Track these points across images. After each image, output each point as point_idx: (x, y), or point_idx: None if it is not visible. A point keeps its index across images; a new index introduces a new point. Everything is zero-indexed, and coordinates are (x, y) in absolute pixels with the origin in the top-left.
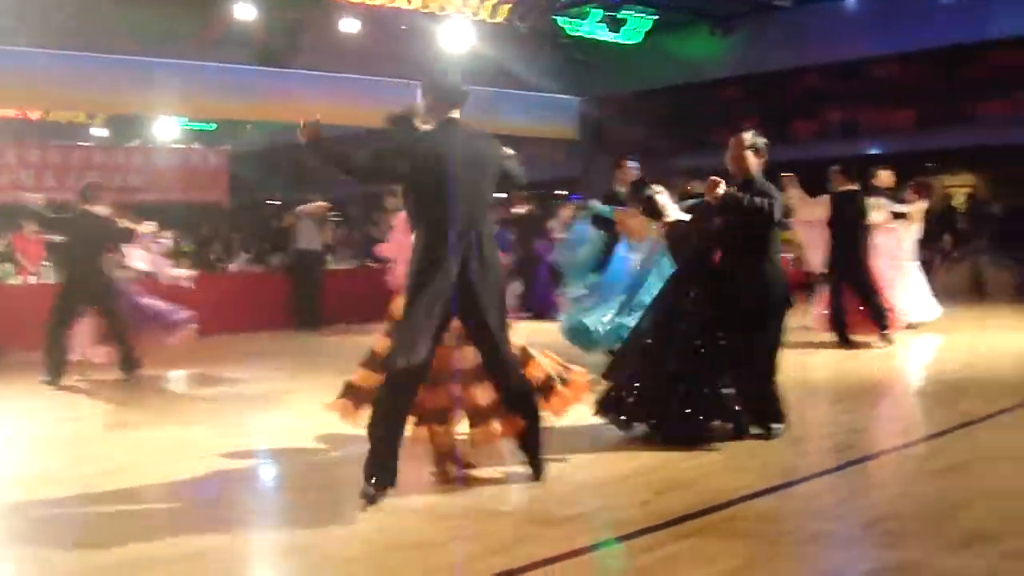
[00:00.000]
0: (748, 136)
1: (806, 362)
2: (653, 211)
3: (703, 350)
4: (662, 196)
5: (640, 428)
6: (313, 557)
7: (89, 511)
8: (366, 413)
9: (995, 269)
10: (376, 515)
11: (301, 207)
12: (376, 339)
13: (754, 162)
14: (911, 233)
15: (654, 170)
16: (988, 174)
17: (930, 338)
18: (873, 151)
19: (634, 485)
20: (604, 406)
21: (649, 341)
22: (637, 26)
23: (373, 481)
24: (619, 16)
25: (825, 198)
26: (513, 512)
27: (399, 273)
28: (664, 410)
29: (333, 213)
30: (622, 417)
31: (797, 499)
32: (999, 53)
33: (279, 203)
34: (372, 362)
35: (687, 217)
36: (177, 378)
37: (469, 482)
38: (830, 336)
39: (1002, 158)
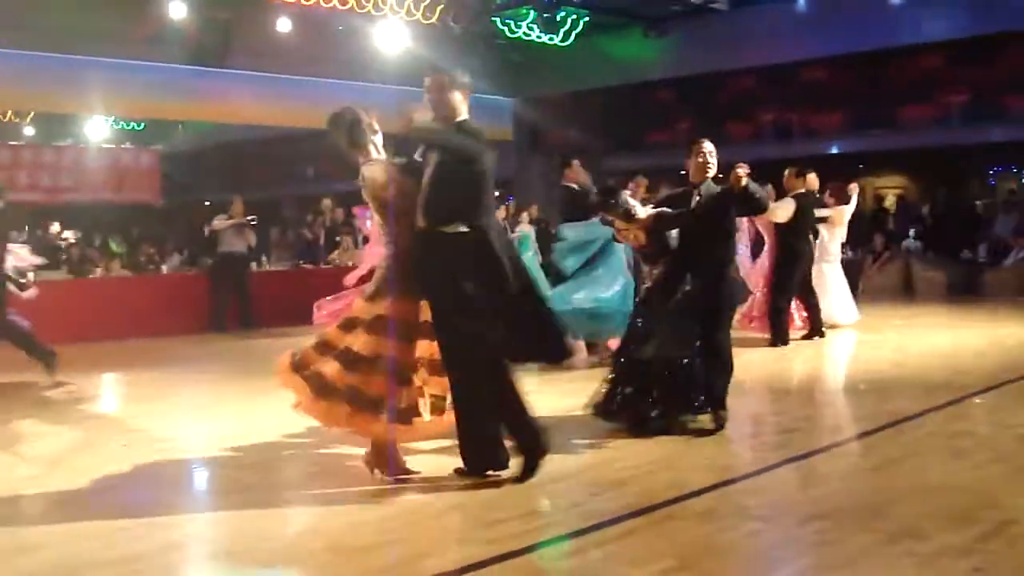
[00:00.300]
0: (709, 144)
1: (738, 361)
2: (629, 216)
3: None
4: (632, 199)
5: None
6: (246, 561)
7: (18, 515)
8: (343, 411)
9: (924, 269)
10: (312, 518)
11: (214, 221)
12: (362, 341)
13: (714, 167)
14: (836, 236)
15: (589, 170)
16: (916, 176)
17: (860, 337)
18: (807, 152)
19: (569, 486)
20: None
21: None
22: (571, 27)
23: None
24: (554, 17)
25: (790, 200)
26: (448, 514)
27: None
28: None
29: (250, 217)
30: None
31: (732, 498)
32: (924, 57)
33: (209, 204)
34: (355, 361)
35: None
36: (103, 382)
37: (406, 483)
38: (760, 335)
39: (928, 160)
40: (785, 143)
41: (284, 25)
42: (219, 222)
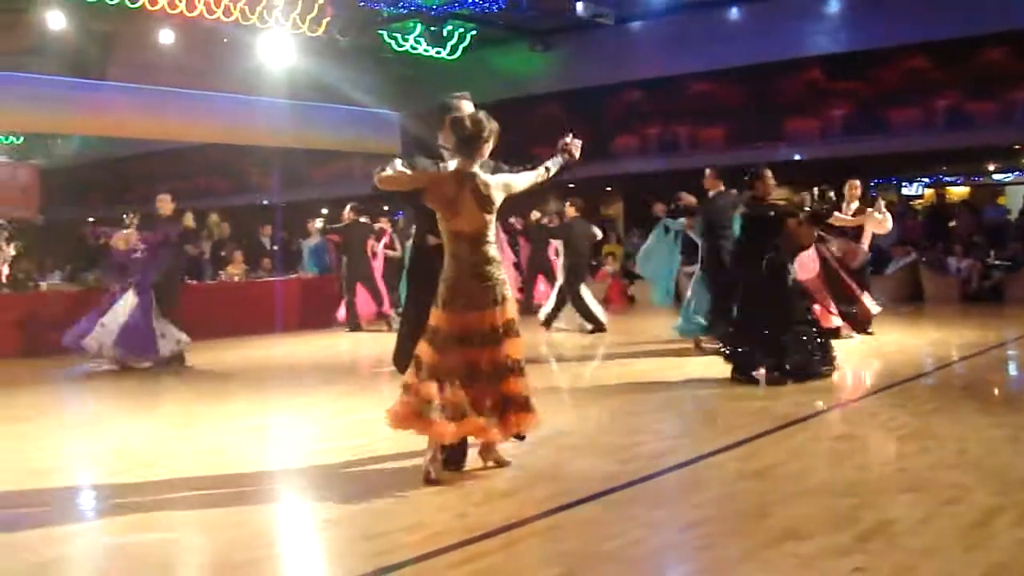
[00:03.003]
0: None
1: (619, 368)
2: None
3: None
4: None
5: None
6: None
7: None
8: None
9: None
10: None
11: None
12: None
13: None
14: None
15: None
16: (801, 187)
17: None
18: (693, 165)
19: (453, 497)
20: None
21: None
22: (458, 41)
23: None
24: (441, 31)
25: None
26: (329, 528)
27: None
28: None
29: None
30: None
31: (616, 506)
32: (807, 71)
33: (93, 220)
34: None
35: None
36: None
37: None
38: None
39: (812, 171)
40: (672, 156)
41: (167, 37)
42: None
